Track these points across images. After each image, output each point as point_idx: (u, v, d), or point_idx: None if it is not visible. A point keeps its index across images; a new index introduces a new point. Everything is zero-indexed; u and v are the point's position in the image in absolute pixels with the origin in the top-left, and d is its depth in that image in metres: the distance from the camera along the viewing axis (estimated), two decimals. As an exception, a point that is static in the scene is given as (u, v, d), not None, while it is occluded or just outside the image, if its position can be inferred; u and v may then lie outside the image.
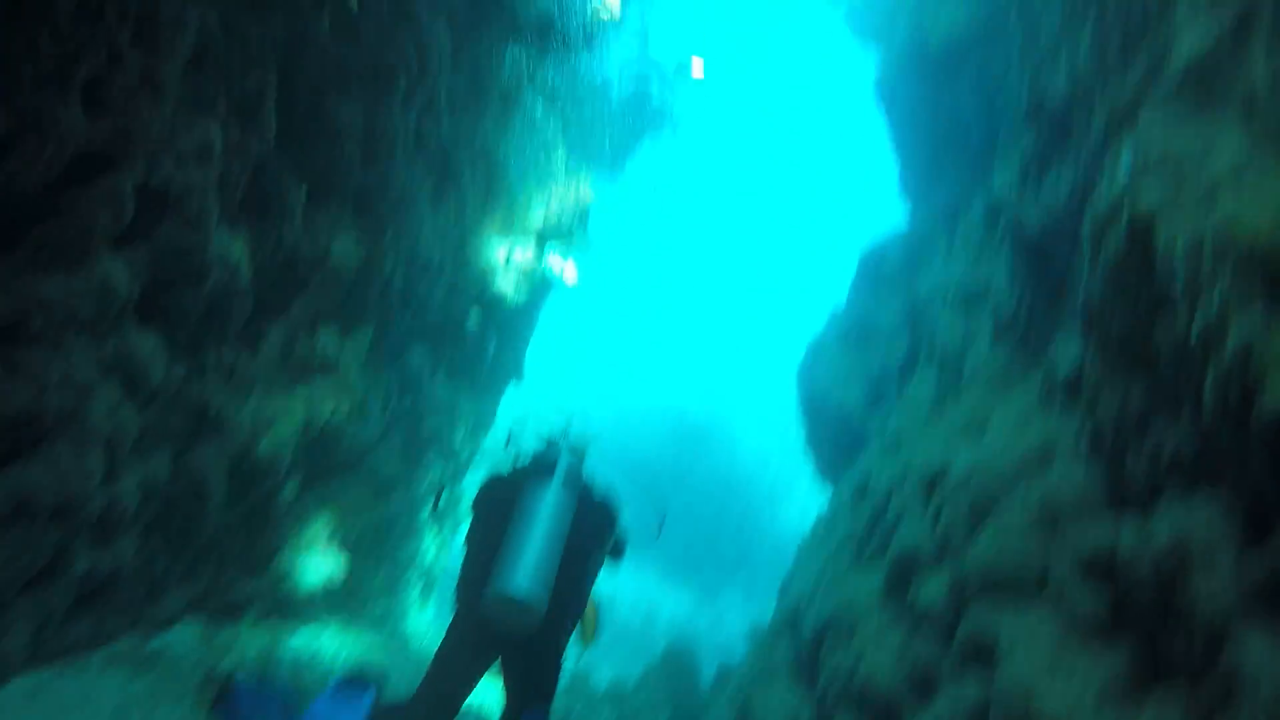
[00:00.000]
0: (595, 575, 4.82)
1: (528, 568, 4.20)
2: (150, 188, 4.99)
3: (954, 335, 8.30)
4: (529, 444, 5.02)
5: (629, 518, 4.94)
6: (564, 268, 12.67)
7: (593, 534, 4.70)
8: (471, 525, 4.72)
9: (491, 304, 11.45)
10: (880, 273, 13.37)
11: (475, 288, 11.09)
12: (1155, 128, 4.51)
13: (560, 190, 13.36)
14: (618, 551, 4.96)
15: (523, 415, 5.38)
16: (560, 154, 13.75)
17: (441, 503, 13.27)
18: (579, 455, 4.91)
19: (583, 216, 13.77)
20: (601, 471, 4.98)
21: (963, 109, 11.82)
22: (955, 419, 7.21)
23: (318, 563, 9.46)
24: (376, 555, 11.12)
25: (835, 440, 12.28)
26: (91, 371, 4.98)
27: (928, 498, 6.81)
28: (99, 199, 4.67)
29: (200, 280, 5.63)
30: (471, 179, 10.29)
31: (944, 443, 7.06)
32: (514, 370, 14.10)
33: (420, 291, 9.53)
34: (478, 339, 11.59)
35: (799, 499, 30.69)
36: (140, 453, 5.80)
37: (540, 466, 4.66)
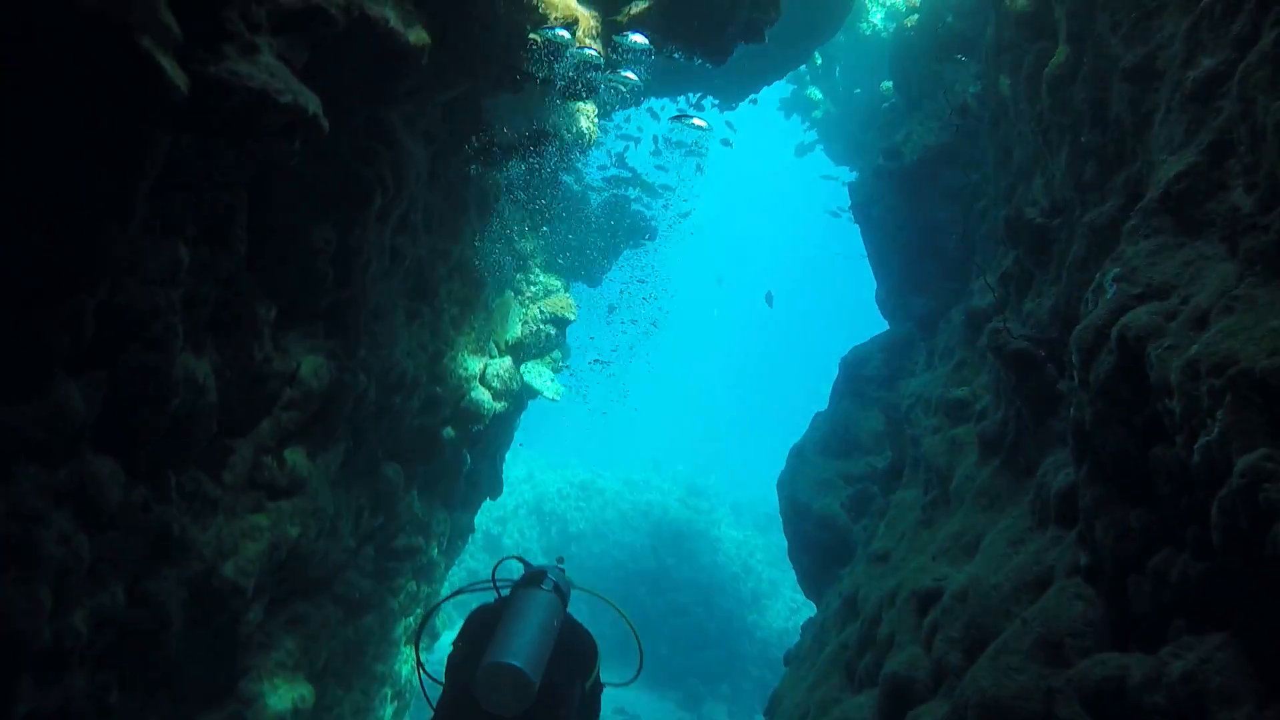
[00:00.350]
0: (577, 700, 4.63)
1: (523, 645, 4.18)
2: (113, 309, 4.84)
3: (939, 448, 8.16)
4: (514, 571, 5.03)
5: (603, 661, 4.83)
6: (545, 382, 12.57)
7: (579, 647, 4.64)
8: (461, 629, 4.73)
9: (467, 418, 11.26)
10: (861, 377, 13.33)
11: (451, 402, 10.91)
12: (1138, 253, 4.46)
13: (539, 303, 13.34)
14: (593, 707, 4.82)
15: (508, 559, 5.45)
16: (538, 266, 13.78)
17: (417, 620, 12.94)
18: (566, 583, 4.86)
19: (562, 328, 13.72)
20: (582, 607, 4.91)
21: (938, 216, 11.99)
22: (944, 537, 7.01)
23: (284, 688, 9.02)
24: (347, 676, 10.68)
25: (818, 550, 12.01)
26: (42, 500, 4.74)
27: (920, 619, 6.57)
28: (58, 321, 4.51)
29: (163, 402, 5.43)
30: (447, 293, 10.22)
31: (934, 562, 6.84)
32: (491, 482, 13.86)
33: (394, 407, 9.34)
34: (453, 453, 11.37)
35: (784, 600, 30.07)
36: (95, 581, 5.51)
37: (530, 577, 4.74)
